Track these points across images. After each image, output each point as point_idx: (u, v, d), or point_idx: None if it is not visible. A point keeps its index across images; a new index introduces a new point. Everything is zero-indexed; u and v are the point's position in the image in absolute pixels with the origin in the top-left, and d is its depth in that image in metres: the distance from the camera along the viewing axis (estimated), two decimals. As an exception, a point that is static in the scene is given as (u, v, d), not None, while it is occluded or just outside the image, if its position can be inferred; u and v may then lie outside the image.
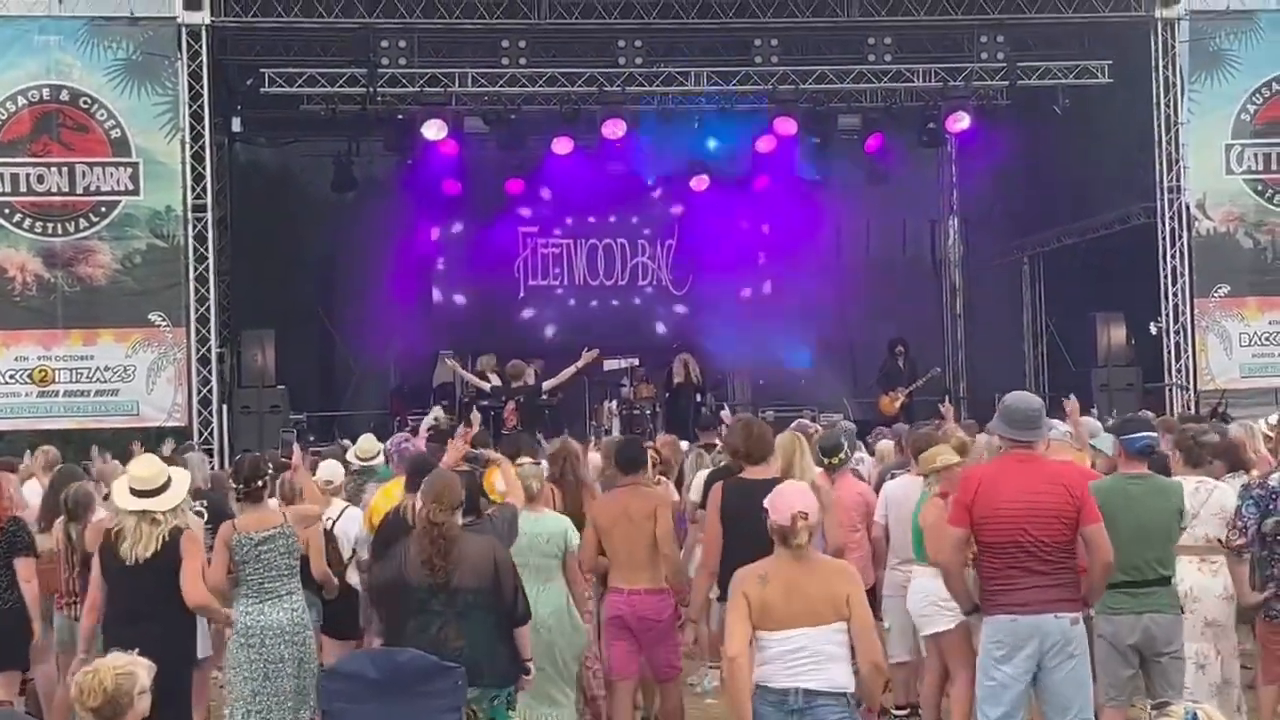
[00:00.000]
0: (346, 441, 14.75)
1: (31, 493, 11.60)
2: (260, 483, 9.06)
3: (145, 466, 8.59)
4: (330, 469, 11.17)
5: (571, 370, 19.44)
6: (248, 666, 8.66)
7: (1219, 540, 8.88)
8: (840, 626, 6.63)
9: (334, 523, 10.26)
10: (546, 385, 19.53)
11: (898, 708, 10.66)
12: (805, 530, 6.69)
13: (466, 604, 7.68)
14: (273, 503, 9.42)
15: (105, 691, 5.83)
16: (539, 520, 9.41)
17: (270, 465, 9.67)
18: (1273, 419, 11.15)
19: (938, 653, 9.57)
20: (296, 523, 9.11)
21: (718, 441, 12.98)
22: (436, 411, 19.45)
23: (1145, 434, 8.50)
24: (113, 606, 8.46)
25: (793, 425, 12.80)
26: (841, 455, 11.00)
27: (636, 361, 22.84)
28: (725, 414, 15.30)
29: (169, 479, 8.45)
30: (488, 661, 7.65)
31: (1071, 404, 10.69)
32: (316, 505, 9.83)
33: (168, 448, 14.67)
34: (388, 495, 10.00)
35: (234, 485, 9.18)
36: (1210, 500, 8.95)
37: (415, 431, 14.89)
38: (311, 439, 19.67)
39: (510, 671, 7.86)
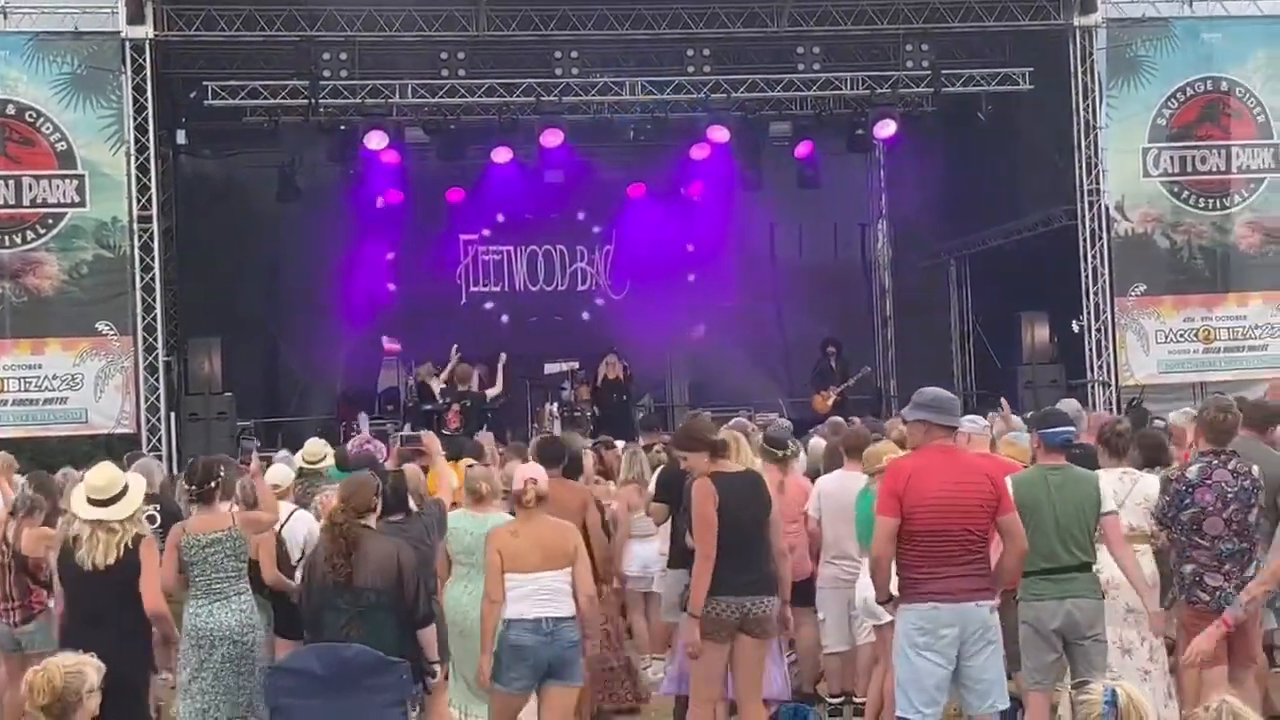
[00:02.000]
0: (283, 452, 14.63)
1: None
2: (212, 485, 8.97)
3: (101, 475, 8.51)
4: (278, 473, 11.12)
5: (500, 375, 19.68)
6: (196, 665, 8.62)
7: (1143, 529, 8.96)
8: (568, 570, 8.33)
9: (282, 526, 10.20)
10: (490, 393, 19.60)
11: (832, 695, 10.69)
12: (533, 492, 8.42)
13: (369, 603, 7.81)
14: (224, 506, 9.35)
15: (54, 689, 5.89)
16: (485, 520, 9.43)
17: (223, 469, 9.59)
18: (1191, 412, 11.21)
19: (885, 644, 9.58)
20: (246, 527, 9.06)
21: (658, 442, 13.16)
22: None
23: (1063, 428, 8.59)
24: (72, 612, 8.46)
25: (730, 424, 12.85)
26: (789, 449, 11.05)
27: (576, 365, 22.84)
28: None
29: (125, 487, 8.41)
30: None
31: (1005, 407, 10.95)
32: (271, 513, 9.76)
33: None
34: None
35: (186, 487, 9.10)
36: (1134, 490, 9.02)
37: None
38: (258, 444, 19.59)
39: (413, 670, 7.90)
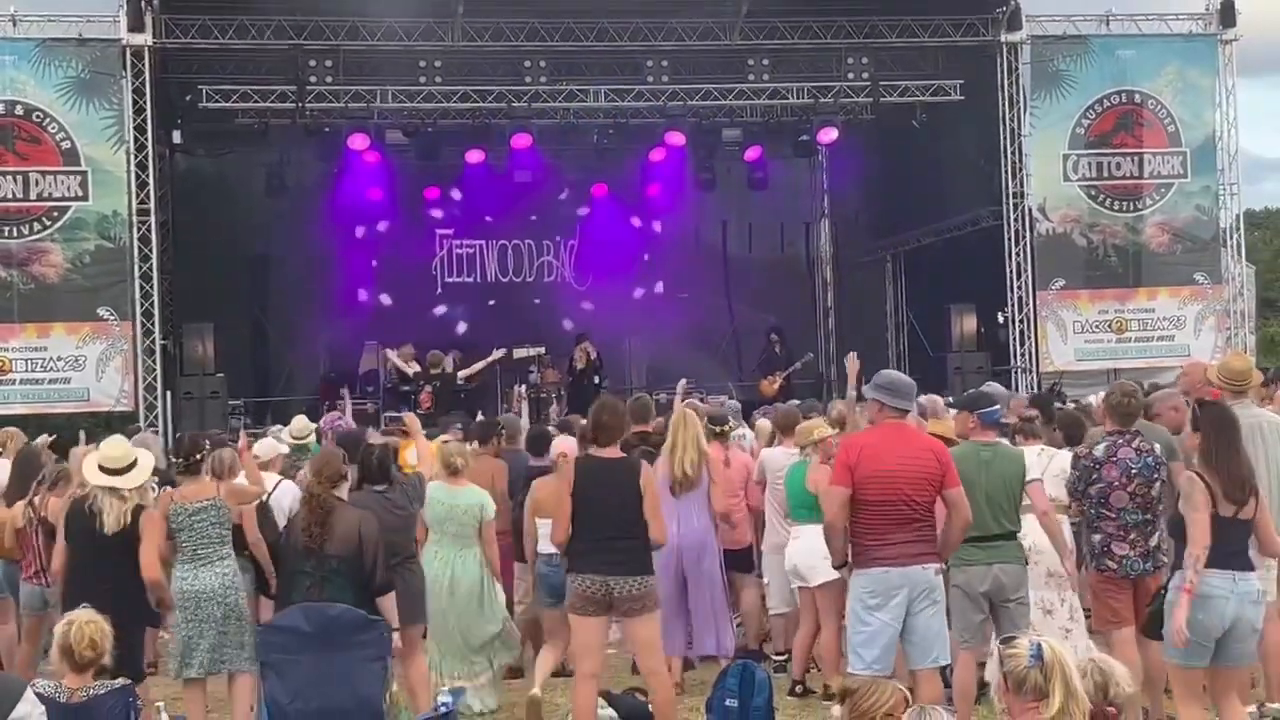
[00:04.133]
0: (276, 427, 14.62)
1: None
2: (198, 457, 8.93)
3: (114, 447, 8.53)
4: (263, 446, 11.08)
5: (482, 364, 19.52)
6: (184, 625, 8.57)
7: (1060, 499, 9.04)
8: None
9: (269, 495, 10.17)
10: (462, 374, 19.53)
11: (777, 653, 10.72)
12: (562, 462, 9.24)
13: (330, 569, 7.79)
14: (209, 477, 9.31)
15: (86, 641, 6.10)
16: (458, 493, 9.43)
17: (208, 442, 9.56)
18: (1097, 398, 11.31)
19: (812, 605, 9.64)
20: (230, 497, 9.02)
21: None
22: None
23: (995, 408, 8.67)
24: (77, 568, 8.40)
25: (685, 403, 12.92)
26: (726, 426, 11.06)
27: (543, 350, 22.76)
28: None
29: (135, 460, 8.42)
30: None
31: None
32: (257, 486, 9.71)
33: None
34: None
35: (174, 459, 9.08)
36: (1052, 465, 9.12)
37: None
38: (248, 422, 19.56)
39: None
